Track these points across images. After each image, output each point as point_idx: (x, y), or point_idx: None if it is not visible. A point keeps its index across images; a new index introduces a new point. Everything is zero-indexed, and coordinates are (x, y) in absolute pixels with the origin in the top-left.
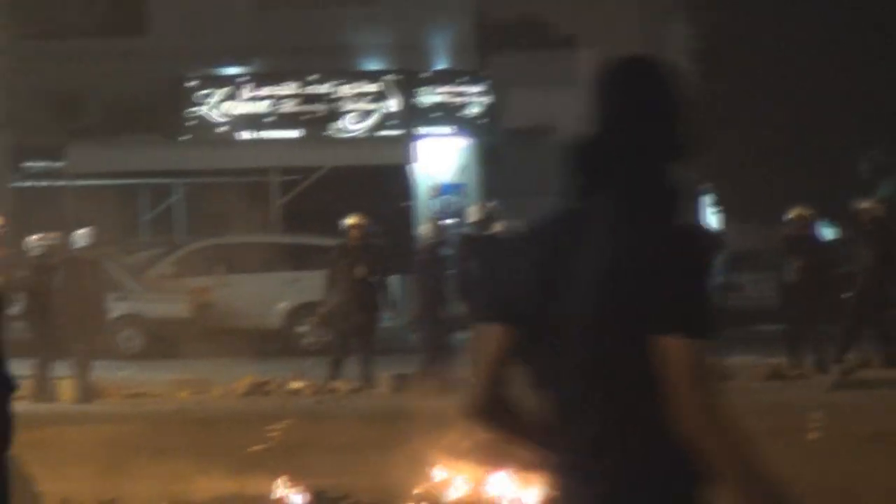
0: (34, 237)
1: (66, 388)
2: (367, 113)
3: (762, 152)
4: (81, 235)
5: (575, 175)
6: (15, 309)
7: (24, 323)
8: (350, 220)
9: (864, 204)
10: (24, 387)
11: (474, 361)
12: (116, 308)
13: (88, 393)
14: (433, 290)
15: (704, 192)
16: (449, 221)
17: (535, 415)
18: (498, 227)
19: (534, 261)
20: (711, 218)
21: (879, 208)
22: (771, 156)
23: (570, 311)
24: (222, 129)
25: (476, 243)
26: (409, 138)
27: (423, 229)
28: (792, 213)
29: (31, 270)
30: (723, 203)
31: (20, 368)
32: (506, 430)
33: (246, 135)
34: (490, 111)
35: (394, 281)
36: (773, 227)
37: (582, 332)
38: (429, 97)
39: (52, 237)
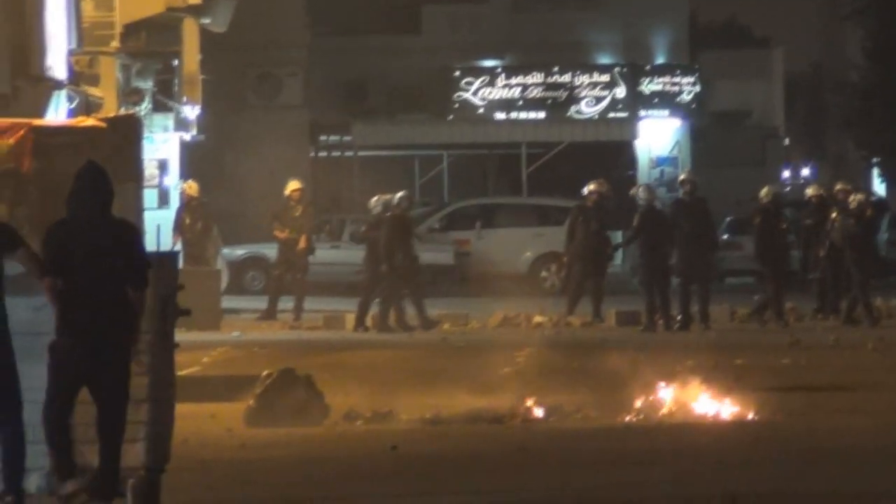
0: (373, 199)
1: (349, 319)
2: (599, 98)
3: None
4: (401, 198)
5: None
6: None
7: (363, 266)
8: (591, 186)
9: None
10: (317, 319)
11: None
12: None
13: (428, 322)
14: (653, 245)
15: (874, 166)
16: (662, 188)
17: None
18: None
19: None
20: (879, 186)
21: None
22: None
23: None
24: (481, 110)
25: (686, 206)
26: (632, 119)
27: (641, 193)
28: None
29: (369, 225)
30: (888, 174)
31: (322, 304)
32: None
33: (500, 115)
34: (699, 98)
35: (619, 235)
36: None
37: None
38: (650, 86)
39: (384, 198)
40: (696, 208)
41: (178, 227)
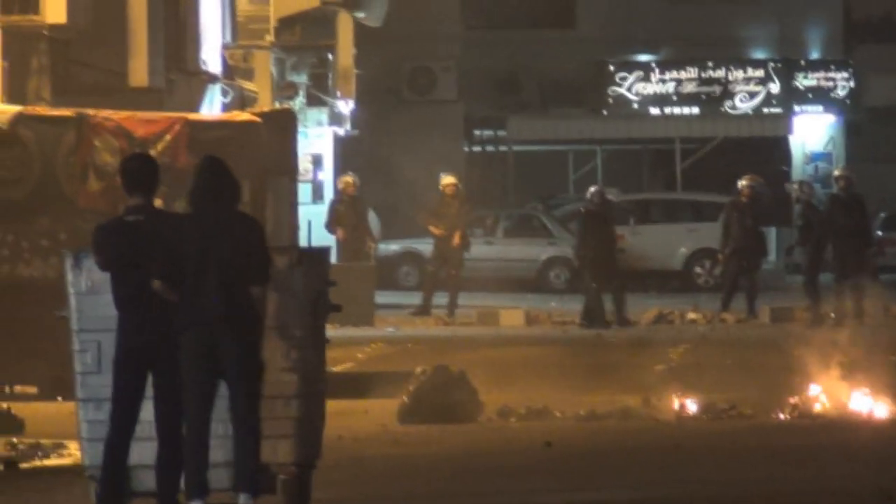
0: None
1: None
2: (753, 94)
3: None
4: (592, 193)
5: None
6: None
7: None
8: (744, 181)
9: None
10: (471, 315)
11: None
12: (546, 251)
13: (624, 320)
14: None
15: None
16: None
17: None
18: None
19: None
20: None
21: None
22: None
23: None
24: (635, 105)
25: (842, 202)
26: (787, 115)
27: (797, 189)
28: None
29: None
30: None
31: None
32: None
33: (654, 110)
34: (854, 93)
35: (773, 232)
36: None
37: None
38: (804, 81)
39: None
40: (852, 204)
41: (333, 223)
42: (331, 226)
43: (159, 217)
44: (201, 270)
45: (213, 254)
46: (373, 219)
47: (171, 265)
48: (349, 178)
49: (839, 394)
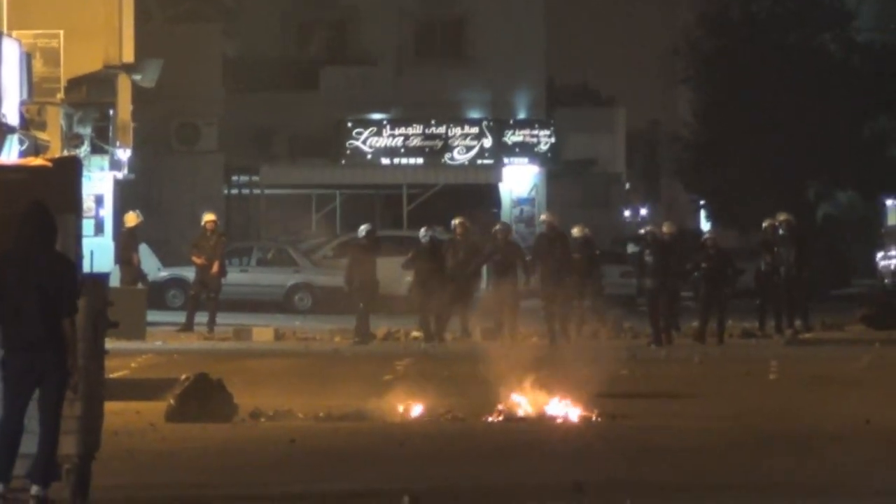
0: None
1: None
2: (469, 147)
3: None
4: (361, 230)
5: None
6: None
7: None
8: (456, 220)
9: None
10: (228, 331)
11: None
12: (292, 278)
13: (366, 336)
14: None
15: (701, 208)
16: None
17: None
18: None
19: None
20: (705, 224)
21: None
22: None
23: None
24: (369, 156)
25: (547, 239)
26: (497, 165)
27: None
28: (765, 222)
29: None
30: (712, 214)
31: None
32: None
33: (385, 161)
34: (554, 148)
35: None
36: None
37: None
38: (512, 137)
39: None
40: (555, 240)
41: (123, 253)
42: (124, 253)
43: None
44: (25, 301)
45: (36, 288)
46: (145, 250)
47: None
48: (128, 215)
49: (539, 400)
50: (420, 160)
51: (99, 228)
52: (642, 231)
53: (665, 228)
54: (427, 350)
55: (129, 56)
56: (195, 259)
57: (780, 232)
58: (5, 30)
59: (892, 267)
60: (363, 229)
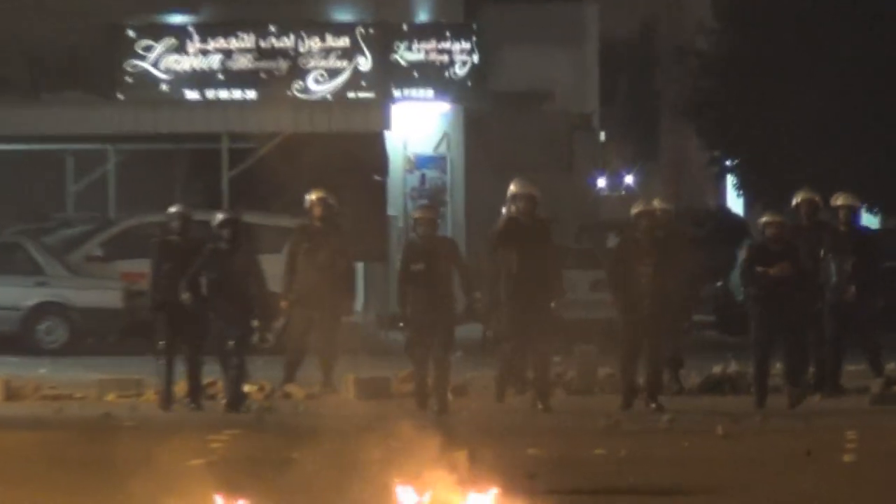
0: None
1: None
2: (335, 71)
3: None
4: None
5: None
6: None
7: None
8: (313, 196)
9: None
10: None
11: None
12: (34, 295)
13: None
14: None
15: (728, 171)
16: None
17: None
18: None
19: None
20: (736, 201)
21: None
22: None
23: None
24: (164, 87)
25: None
26: (382, 102)
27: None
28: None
29: None
30: (746, 183)
31: None
32: None
33: (191, 94)
34: (477, 73)
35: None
36: None
37: None
38: (407, 54)
39: None
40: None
41: None
42: None
43: None
44: None
45: None
46: None
47: None
48: None
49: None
50: (251, 93)
51: None
52: (635, 211)
53: (657, 204)
54: (260, 416)
55: None
56: None
57: (838, 227)
58: None
59: None
60: (220, 218)
